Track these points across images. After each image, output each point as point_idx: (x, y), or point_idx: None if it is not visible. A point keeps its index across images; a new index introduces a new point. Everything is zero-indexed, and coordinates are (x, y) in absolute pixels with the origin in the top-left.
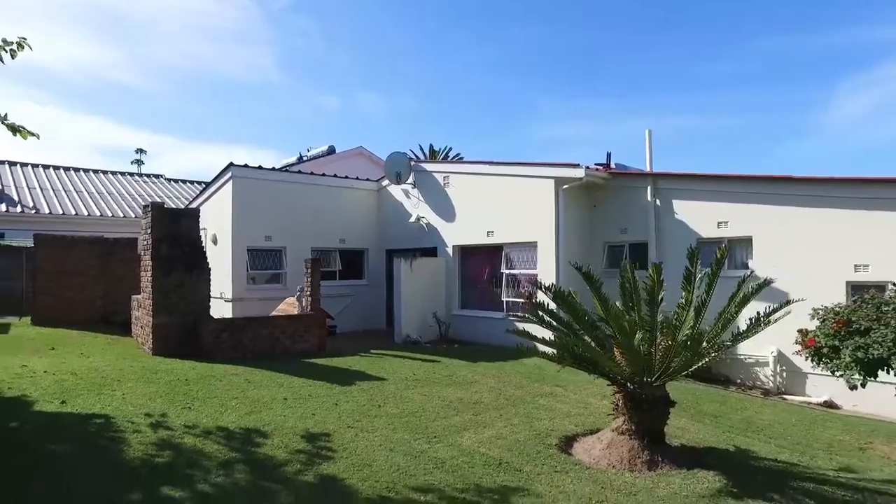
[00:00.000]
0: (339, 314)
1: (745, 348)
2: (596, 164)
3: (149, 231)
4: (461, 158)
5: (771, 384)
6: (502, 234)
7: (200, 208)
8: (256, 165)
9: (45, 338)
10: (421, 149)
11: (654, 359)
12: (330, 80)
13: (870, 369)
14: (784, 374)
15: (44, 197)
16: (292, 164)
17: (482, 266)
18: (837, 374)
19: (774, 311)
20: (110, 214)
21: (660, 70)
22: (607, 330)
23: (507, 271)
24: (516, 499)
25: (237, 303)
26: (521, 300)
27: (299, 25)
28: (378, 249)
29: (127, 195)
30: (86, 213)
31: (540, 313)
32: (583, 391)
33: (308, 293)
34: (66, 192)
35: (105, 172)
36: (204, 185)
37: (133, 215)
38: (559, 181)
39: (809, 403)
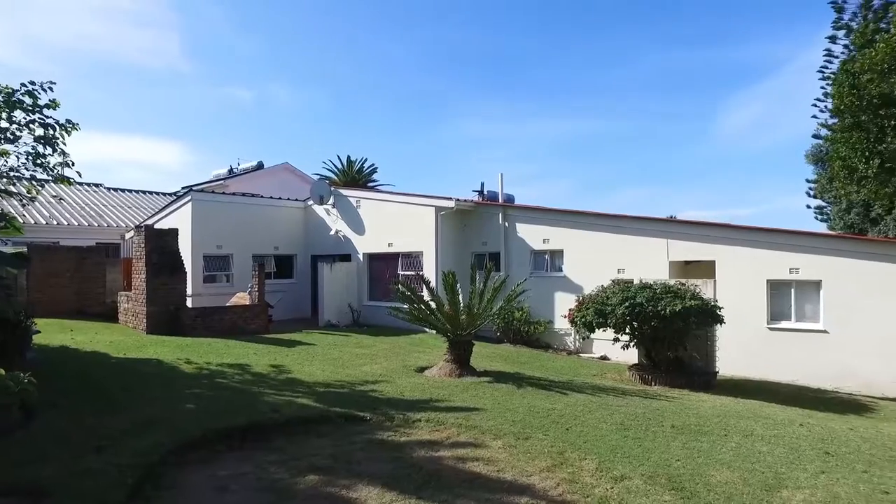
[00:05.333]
0: (275, 305)
1: (559, 325)
2: (474, 190)
3: (142, 245)
4: (375, 169)
5: (573, 347)
6: (399, 245)
7: (169, 225)
8: (210, 190)
9: (54, 325)
10: (339, 159)
11: (461, 321)
12: (241, 71)
13: (588, 328)
14: (580, 340)
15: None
16: (223, 176)
17: (385, 268)
18: (578, 332)
19: (516, 295)
20: (65, 223)
21: (571, 75)
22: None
23: (403, 272)
24: (382, 383)
25: (196, 297)
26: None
27: (210, 12)
28: (305, 255)
29: (76, 204)
30: (44, 223)
31: (400, 295)
32: (441, 350)
33: (256, 289)
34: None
35: (47, 181)
36: (167, 201)
37: (86, 224)
38: (438, 208)
39: (592, 357)
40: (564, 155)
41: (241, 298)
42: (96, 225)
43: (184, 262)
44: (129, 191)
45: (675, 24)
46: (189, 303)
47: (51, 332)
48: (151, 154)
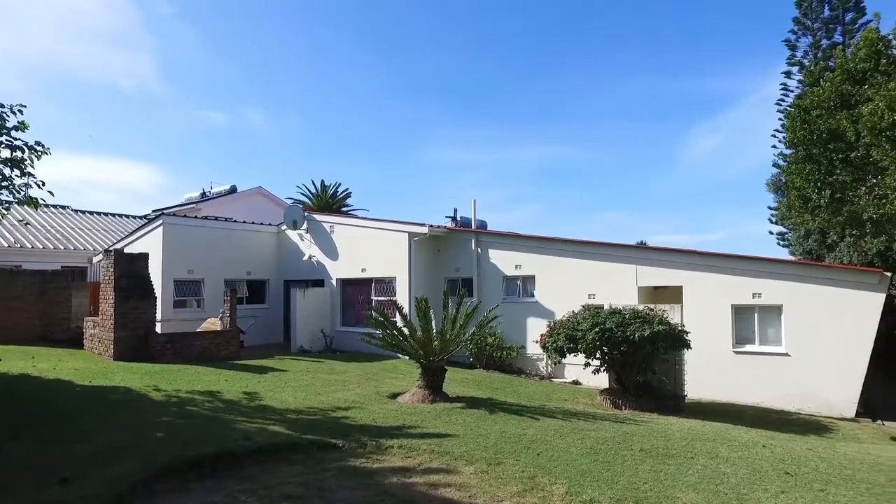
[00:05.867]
0: (246, 331)
1: (531, 350)
2: (447, 216)
3: (111, 269)
4: (349, 193)
5: (545, 372)
6: (372, 271)
7: (139, 248)
8: (182, 214)
9: (15, 352)
10: (313, 183)
11: (434, 347)
12: (216, 95)
13: (559, 353)
14: (553, 365)
15: None
16: (195, 199)
17: (358, 294)
18: (550, 357)
19: (489, 321)
20: (30, 247)
21: (543, 103)
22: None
23: (376, 298)
24: (355, 410)
25: (165, 322)
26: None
27: (184, 35)
28: (277, 280)
29: (41, 227)
30: (6, 246)
31: (374, 321)
32: (414, 376)
33: (228, 314)
34: None
35: (13, 203)
36: (137, 224)
37: (52, 247)
38: (411, 234)
39: (564, 382)
40: (537, 180)
41: (213, 324)
42: (62, 248)
43: (154, 286)
44: (98, 213)
45: (644, 56)
46: (158, 328)
47: (11, 359)
48: (122, 176)
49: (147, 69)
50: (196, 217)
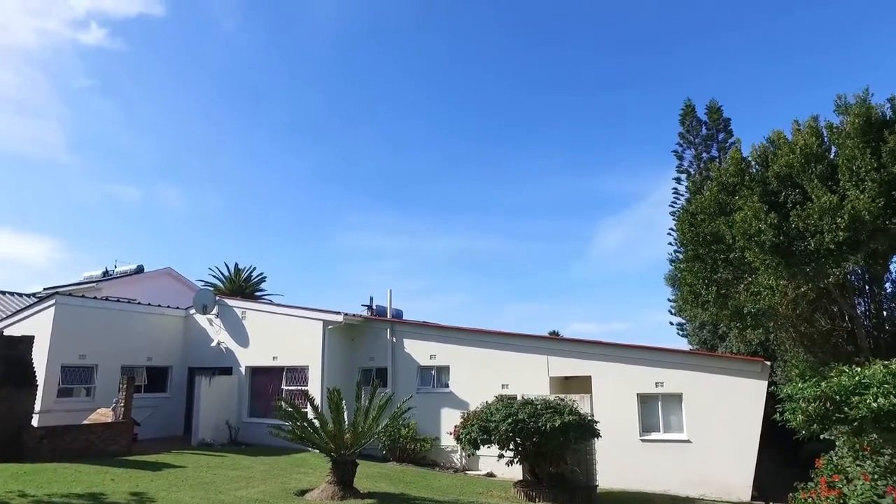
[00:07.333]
0: (142, 422)
1: (446, 441)
2: (363, 305)
3: None
4: (264, 278)
5: (460, 464)
6: (284, 359)
7: (24, 330)
8: (80, 294)
9: None
10: (227, 266)
11: (346, 440)
12: (128, 169)
13: (473, 445)
14: (467, 457)
15: None
16: (96, 278)
17: (268, 383)
18: (464, 449)
19: (402, 412)
20: None
21: (461, 196)
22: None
23: (287, 387)
24: None
25: (45, 414)
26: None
27: (99, 108)
28: (181, 367)
29: None
30: None
31: (283, 412)
32: (325, 470)
33: (122, 404)
34: None
35: None
36: (26, 302)
37: None
38: (326, 322)
39: (479, 474)
40: (454, 270)
41: (103, 415)
42: None
43: (36, 374)
44: None
45: (552, 154)
46: (35, 421)
47: None
48: (21, 249)
49: (56, 139)
50: (95, 297)
